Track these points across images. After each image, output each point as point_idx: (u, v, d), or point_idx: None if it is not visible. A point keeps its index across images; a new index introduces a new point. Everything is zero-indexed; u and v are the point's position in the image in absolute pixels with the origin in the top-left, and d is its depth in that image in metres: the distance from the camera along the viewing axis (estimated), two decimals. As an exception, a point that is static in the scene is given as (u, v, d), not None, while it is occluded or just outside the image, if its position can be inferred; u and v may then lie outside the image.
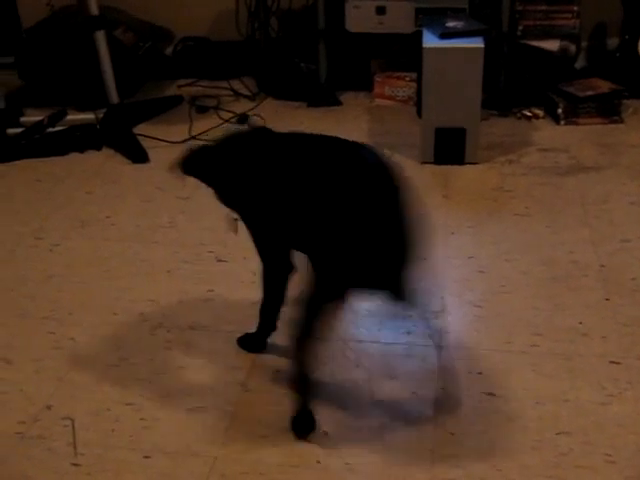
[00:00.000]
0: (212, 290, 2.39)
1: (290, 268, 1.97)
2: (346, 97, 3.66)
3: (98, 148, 3.29)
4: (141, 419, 1.93)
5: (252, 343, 2.13)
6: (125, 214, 2.82)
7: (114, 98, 3.36)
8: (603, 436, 1.82)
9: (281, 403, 1.94)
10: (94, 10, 3.25)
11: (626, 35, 3.54)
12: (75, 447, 1.86)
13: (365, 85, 3.66)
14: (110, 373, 2.08)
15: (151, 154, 3.21)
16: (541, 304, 2.27)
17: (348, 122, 3.44)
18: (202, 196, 2.90)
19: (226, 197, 1.97)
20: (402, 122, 3.42)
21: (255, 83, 3.77)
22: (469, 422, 1.88)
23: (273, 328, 2.09)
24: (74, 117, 3.42)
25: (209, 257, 2.55)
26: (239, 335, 2.16)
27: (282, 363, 2.07)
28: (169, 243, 2.63)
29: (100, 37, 3.29)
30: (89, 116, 3.39)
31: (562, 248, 2.51)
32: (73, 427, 1.91)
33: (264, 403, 1.96)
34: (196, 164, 1.97)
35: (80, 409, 1.96)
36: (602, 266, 2.42)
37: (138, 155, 3.20)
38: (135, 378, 2.06)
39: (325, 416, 1.90)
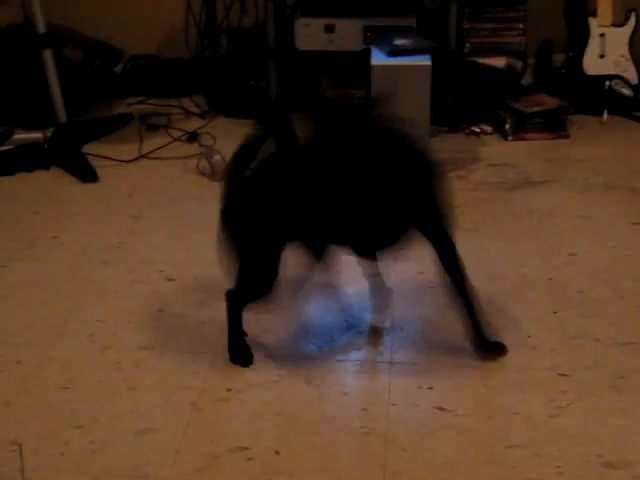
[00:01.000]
0: (162, 310, 2.37)
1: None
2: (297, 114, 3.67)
3: (46, 167, 3.25)
4: (91, 442, 1.90)
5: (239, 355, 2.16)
6: (74, 234, 2.79)
7: (62, 117, 3.33)
8: (553, 448, 1.84)
9: (233, 423, 1.93)
10: (41, 28, 3.23)
11: (571, 52, 3.61)
12: (23, 472, 1.82)
13: (315, 102, 3.68)
14: (59, 395, 2.05)
15: (100, 173, 3.18)
16: (490, 318, 2.28)
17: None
18: (152, 215, 2.90)
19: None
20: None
21: (205, 101, 3.77)
22: (420, 437, 1.88)
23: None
24: (21, 136, 3.39)
25: (159, 276, 2.53)
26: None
27: (232, 383, 2.06)
28: (118, 263, 2.61)
29: (48, 55, 3.27)
30: (37, 135, 3.36)
31: (511, 262, 2.54)
32: (21, 452, 1.87)
33: (215, 423, 1.95)
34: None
35: (28, 433, 1.93)
36: (550, 279, 2.45)
37: (87, 174, 3.17)
38: (84, 400, 2.03)
39: (276, 434, 1.89)
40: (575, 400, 1.98)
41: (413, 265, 2.53)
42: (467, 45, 3.57)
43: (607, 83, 3.54)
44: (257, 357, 2.15)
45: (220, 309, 2.34)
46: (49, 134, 3.34)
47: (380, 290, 2.32)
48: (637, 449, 1.83)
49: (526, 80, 3.74)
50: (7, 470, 1.83)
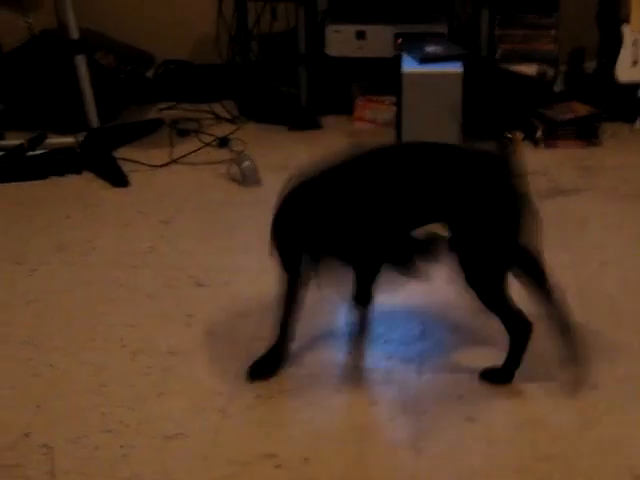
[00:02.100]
0: (192, 315, 2.38)
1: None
2: (327, 121, 3.67)
3: (78, 172, 3.28)
4: (120, 446, 1.91)
5: (267, 364, 2.12)
6: (105, 238, 2.81)
7: (94, 122, 3.36)
8: (583, 460, 1.83)
9: (262, 429, 1.94)
10: (75, 34, 3.26)
11: (603, 59, 3.58)
12: (53, 475, 1.84)
13: (346, 109, 3.68)
14: (89, 400, 2.06)
15: (131, 178, 3.20)
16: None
17: (329, 146, 3.45)
18: (182, 220, 2.91)
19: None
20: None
21: (236, 107, 3.78)
22: (449, 448, 1.87)
23: (292, 338, 2.13)
24: (54, 141, 3.41)
25: (189, 282, 2.54)
26: (249, 368, 2.12)
27: (262, 389, 2.06)
28: (149, 267, 2.63)
29: (81, 61, 3.30)
30: (69, 140, 3.39)
31: (541, 271, 2.52)
32: (52, 455, 1.89)
33: (244, 429, 1.95)
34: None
35: (59, 437, 1.94)
36: (581, 289, 2.43)
37: (118, 179, 3.19)
38: (114, 404, 2.04)
39: (305, 442, 1.90)
40: (606, 412, 1.96)
41: (442, 273, 2.52)
42: (499, 52, 3.56)
43: (640, 91, 3.51)
44: (287, 364, 2.15)
45: (249, 315, 2.36)
46: (81, 138, 3.37)
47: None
48: (669, 463, 1.81)
49: (558, 87, 3.71)
50: (38, 473, 1.84)
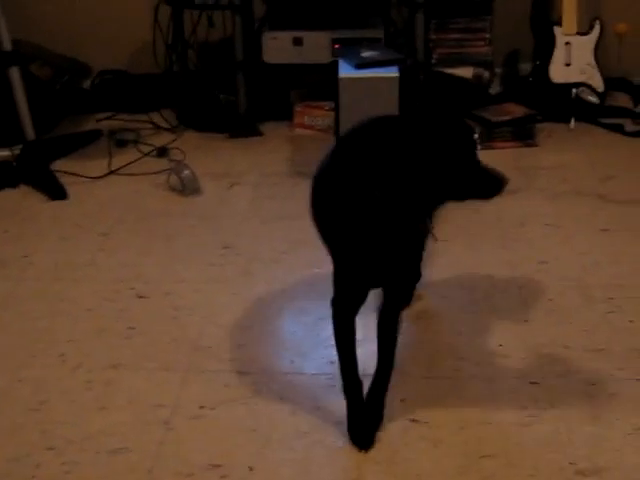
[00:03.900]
0: (133, 327, 2.35)
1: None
2: (267, 127, 3.67)
3: (15, 185, 3.22)
4: (63, 463, 1.88)
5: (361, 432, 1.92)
6: (43, 252, 2.77)
7: (30, 134, 3.30)
8: (526, 457, 1.85)
9: (206, 439, 1.92)
10: (7, 45, 3.20)
11: (537, 61, 3.64)
12: (-7, 496, 1.81)
13: (285, 115, 3.68)
14: (29, 417, 2.02)
15: (70, 190, 3.16)
16: (462, 328, 2.30)
17: (269, 152, 3.45)
18: (122, 231, 2.88)
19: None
20: (322, 151, 3.41)
21: (175, 116, 3.76)
22: (394, 450, 1.88)
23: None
24: (-11, 154, 3.36)
25: (130, 294, 2.51)
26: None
27: (206, 400, 2.05)
28: (89, 281, 2.59)
29: (14, 73, 3.24)
30: (5, 153, 3.33)
31: (481, 271, 2.55)
32: (-9, 475, 1.86)
33: (188, 440, 1.94)
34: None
35: (-2, 456, 1.91)
36: (520, 288, 2.46)
37: (56, 192, 3.14)
38: (56, 421, 2.01)
39: (250, 451, 1.89)
40: (547, 408, 1.99)
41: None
42: (435, 56, 3.59)
43: (574, 91, 3.58)
44: (229, 373, 2.14)
45: (191, 326, 2.34)
46: (17, 152, 3.31)
47: None
48: (609, 456, 1.84)
49: (494, 89, 3.76)
50: (-23, 494, 1.81)
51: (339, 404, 1.99)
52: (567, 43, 3.56)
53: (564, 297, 2.42)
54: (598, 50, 3.58)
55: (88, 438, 1.95)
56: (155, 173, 3.26)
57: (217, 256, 2.69)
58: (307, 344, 2.26)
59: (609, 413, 1.97)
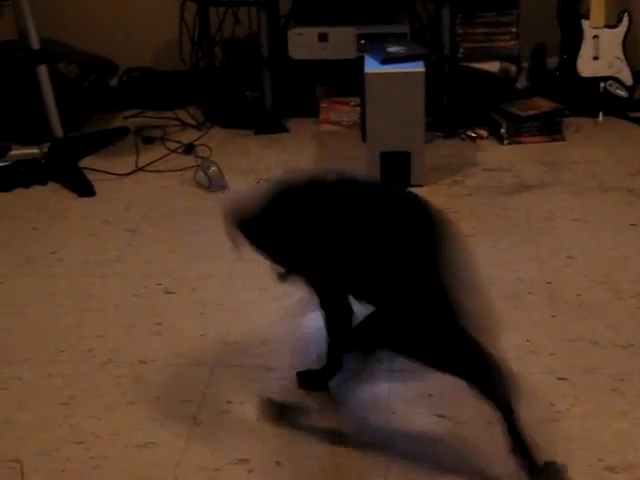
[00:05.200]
0: (161, 323, 2.37)
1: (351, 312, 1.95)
2: (293, 124, 3.67)
3: (43, 183, 3.26)
4: (91, 458, 1.90)
5: (314, 380, 2.07)
6: (72, 249, 2.79)
7: (59, 132, 3.33)
8: (554, 453, 1.83)
9: (233, 434, 1.93)
10: (35, 44, 3.23)
11: (565, 54, 3.61)
12: (23, 490, 1.83)
13: (311, 111, 3.68)
14: (59, 411, 2.05)
15: (97, 187, 3.18)
16: (489, 323, 2.28)
17: (295, 149, 3.45)
18: (149, 228, 2.90)
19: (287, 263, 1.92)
20: (348, 147, 3.44)
21: (201, 112, 3.77)
22: (420, 445, 1.88)
23: (339, 367, 2.04)
24: (18, 152, 3.39)
25: (157, 289, 2.53)
26: (299, 370, 2.10)
27: (233, 395, 2.06)
28: (117, 277, 2.61)
29: (42, 71, 3.26)
30: (33, 151, 3.36)
31: (508, 267, 2.54)
32: (21, 469, 1.87)
33: (216, 436, 1.95)
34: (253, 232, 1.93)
35: (28, 450, 1.93)
36: (548, 283, 2.45)
37: (84, 189, 3.17)
38: (84, 416, 2.03)
39: (277, 445, 1.89)
40: (575, 404, 1.98)
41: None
42: (461, 50, 3.57)
43: (602, 84, 3.54)
44: (256, 368, 2.14)
45: (218, 321, 2.35)
46: (46, 149, 3.34)
47: None
48: (638, 452, 1.83)
49: (521, 84, 3.74)
50: (8, 488, 1.83)
51: (365, 398, 1.99)
52: (595, 36, 3.52)
53: (592, 292, 2.40)
54: (627, 43, 3.54)
55: (116, 433, 1.97)
56: (182, 170, 3.27)
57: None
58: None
59: (638, 409, 1.95)
